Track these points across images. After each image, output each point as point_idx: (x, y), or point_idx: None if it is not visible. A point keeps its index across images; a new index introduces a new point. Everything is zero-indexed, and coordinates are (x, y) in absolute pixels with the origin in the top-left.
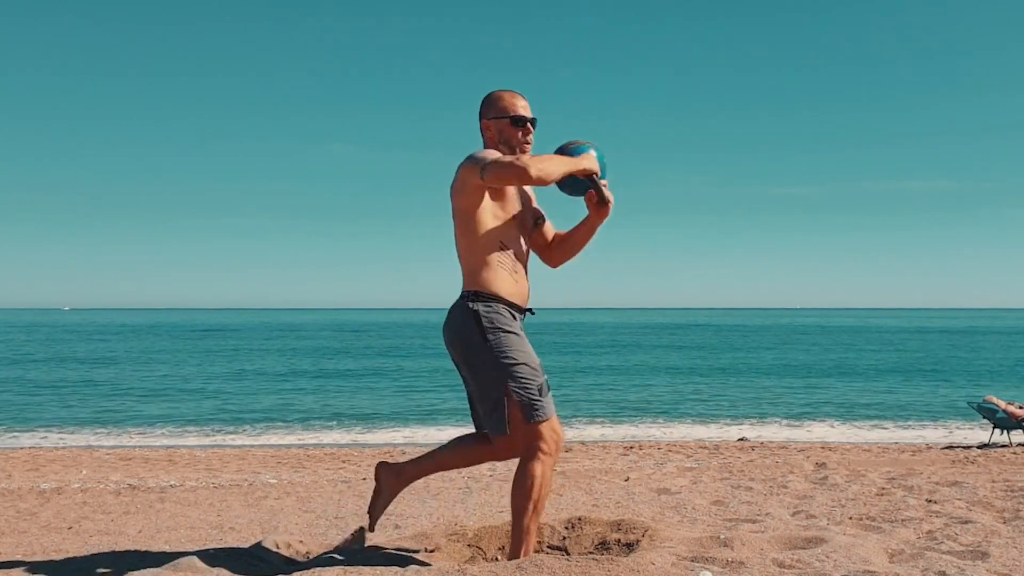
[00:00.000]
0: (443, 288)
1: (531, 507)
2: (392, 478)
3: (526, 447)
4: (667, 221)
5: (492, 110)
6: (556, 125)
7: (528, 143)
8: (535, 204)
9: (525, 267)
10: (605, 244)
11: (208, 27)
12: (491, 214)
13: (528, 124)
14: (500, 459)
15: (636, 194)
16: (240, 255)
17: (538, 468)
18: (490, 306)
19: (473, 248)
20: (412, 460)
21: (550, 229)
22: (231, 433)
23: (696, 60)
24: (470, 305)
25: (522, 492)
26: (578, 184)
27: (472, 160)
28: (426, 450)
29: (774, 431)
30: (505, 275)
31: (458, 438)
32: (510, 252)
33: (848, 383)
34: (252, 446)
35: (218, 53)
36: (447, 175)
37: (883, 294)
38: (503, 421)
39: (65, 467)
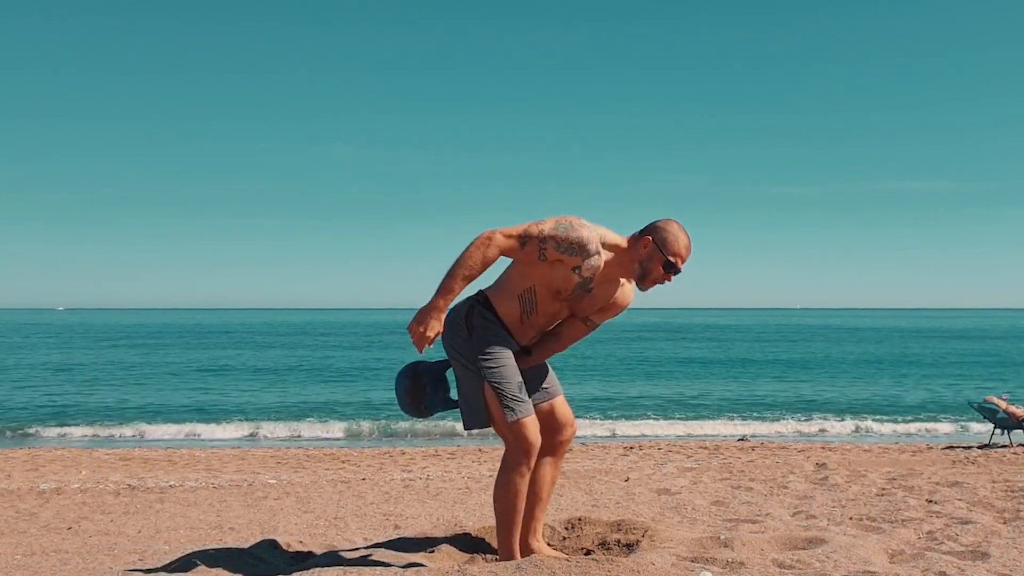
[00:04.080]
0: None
1: (507, 513)
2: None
3: (506, 449)
4: None
5: (660, 237)
6: (557, 123)
7: (657, 285)
8: (600, 310)
9: (538, 330)
10: None
11: (207, 26)
12: (550, 274)
13: (673, 275)
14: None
15: (632, 193)
16: (239, 255)
17: (509, 476)
18: (487, 315)
19: (517, 273)
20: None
21: (569, 327)
22: (230, 433)
23: (694, 58)
24: (470, 304)
25: (496, 498)
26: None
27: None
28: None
29: (774, 431)
30: (516, 311)
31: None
32: (536, 305)
33: (848, 383)
34: (252, 446)
35: (218, 52)
36: (447, 175)
37: (883, 294)
38: (484, 415)
39: (65, 467)
